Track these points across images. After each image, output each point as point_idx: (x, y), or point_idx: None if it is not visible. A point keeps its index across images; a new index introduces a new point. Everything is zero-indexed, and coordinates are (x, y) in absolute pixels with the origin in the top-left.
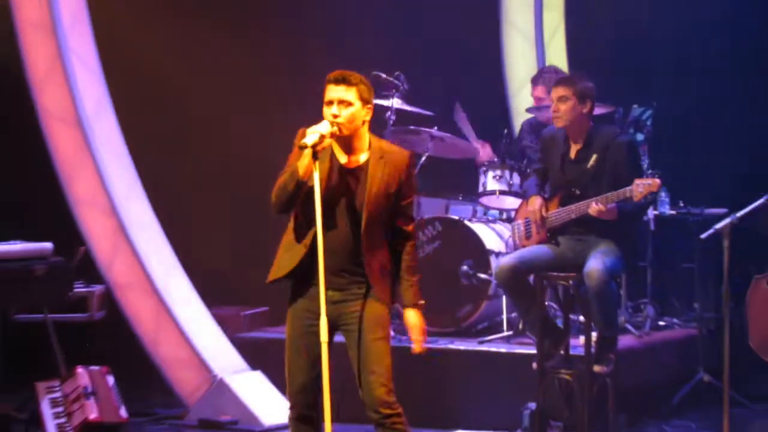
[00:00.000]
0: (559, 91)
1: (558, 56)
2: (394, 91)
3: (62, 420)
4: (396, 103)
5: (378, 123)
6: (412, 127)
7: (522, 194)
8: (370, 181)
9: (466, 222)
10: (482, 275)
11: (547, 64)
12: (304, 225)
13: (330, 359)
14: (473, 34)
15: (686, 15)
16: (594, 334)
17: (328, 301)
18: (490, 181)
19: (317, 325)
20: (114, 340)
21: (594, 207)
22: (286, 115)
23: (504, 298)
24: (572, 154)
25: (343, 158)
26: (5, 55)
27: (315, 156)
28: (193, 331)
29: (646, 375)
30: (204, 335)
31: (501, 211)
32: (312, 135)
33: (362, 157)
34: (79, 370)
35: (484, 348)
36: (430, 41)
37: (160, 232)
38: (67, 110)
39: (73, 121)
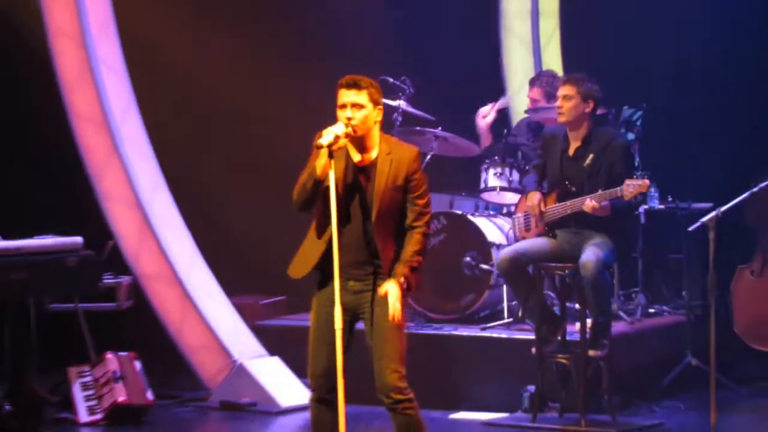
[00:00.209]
0: (565, 90)
1: (553, 60)
2: (400, 94)
3: (93, 402)
4: (402, 105)
5: (385, 124)
6: (417, 128)
7: (521, 190)
8: (378, 176)
9: (469, 216)
10: (484, 266)
11: (543, 68)
12: (324, 221)
13: (351, 345)
14: (474, 41)
15: (673, 22)
16: (589, 321)
17: (348, 291)
18: (491, 177)
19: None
20: (141, 327)
21: (588, 204)
22: (306, 114)
23: (504, 287)
24: (571, 151)
25: (356, 157)
26: (38, 60)
27: (330, 155)
28: (214, 319)
29: (637, 359)
30: (225, 323)
31: (501, 206)
32: (327, 136)
33: (373, 155)
34: (109, 355)
35: (486, 334)
36: (434, 48)
37: (183, 226)
38: (96, 112)
39: (101, 122)
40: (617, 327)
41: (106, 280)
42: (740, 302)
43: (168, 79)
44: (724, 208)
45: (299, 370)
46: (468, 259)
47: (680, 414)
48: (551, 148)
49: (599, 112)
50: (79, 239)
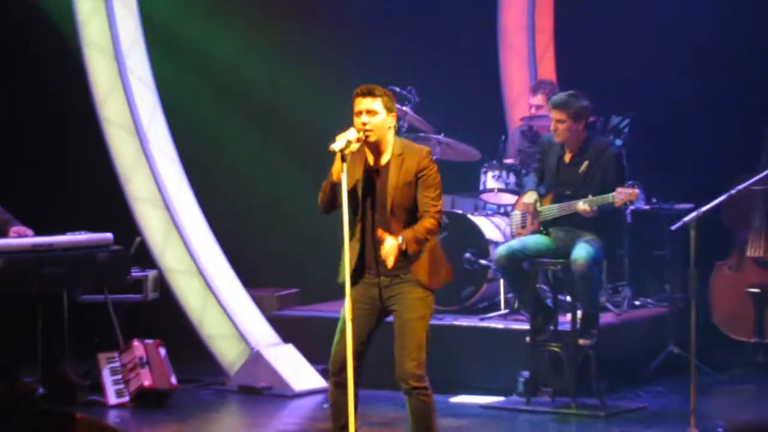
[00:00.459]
0: (556, 115)
1: (548, 72)
2: (406, 102)
3: (120, 386)
4: (408, 112)
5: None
6: (421, 134)
7: (517, 191)
8: (391, 175)
9: (469, 215)
10: (483, 261)
11: (538, 79)
12: (353, 222)
13: (377, 336)
14: (475, 54)
15: (657, 37)
16: (579, 312)
17: (379, 286)
18: (490, 180)
19: (368, 309)
20: (165, 317)
21: (581, 207)
22: (323, 117)
23: (501, 281)
24: (567, 158)
25: (373, 161)
26: (73, 72)
27: (343, 159)
28: (233, 309)
29: (623, 347)
30: (243, 313)
31: (499, 206)
32: (340, 141)
33: (387, 158)
34: (136, 343)
35: (484, 324)
36: (438, 60)
37: (205, 224)
38: (125, 119)
39: (130, 128)
40: (605, 318)
41: (133, 274)
42: (718, 295)
43: (192, 91)
44: (704, 209)
45: (311, 357)
46: (468, 254)
47: (663, 398)
48: (548, 153)
49: (590, 119)
50: (109, 235)
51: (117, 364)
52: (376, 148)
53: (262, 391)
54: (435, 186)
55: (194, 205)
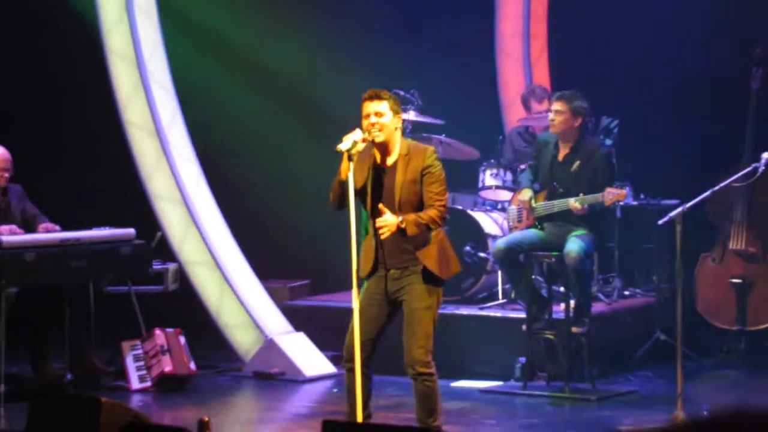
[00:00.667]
0: (557, 105)
1: (542, 76)
2: (410, 105)
3: (143, 372)
4: (411, 115)
5: None
6: (424, 135)
7: (514, 188)
8: (398, 173)
9: (469, 211)
10: (482, 254)
11: (533, 83)
12: (366, 219)
13: (389, 326)
14: (473, 60)
15: (645, 41)
16: (572, 302)
17: (390, 278)
18: (488, 177)
19: (380, 300)
20: (185, 307)
21: (573, 204)
22: (331, 118)
23: (499, 272)
24: (560, 157)
25: (381, 160)
26: (98, 78)
27: (350, 158)
28: (248, 300)
29: (614, 335)
30: (257, 303)
31: (497, 202)
32: (346, 142)
33: (395, 157)
34: (157, 331)
35: (483, 313)
36: (439, 65)
37: (221, 219)
38: (147, 122)
39: (151, 131)
40: (597, 307)
41: (155, 266)
42: (703, 286)
43: (210, 94)
44: (689, 205)
45: (321, 345)
46: (468, 248)
47: (651, 382)
48: (543, 152)
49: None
50: (131, 231)
51: (140, 352)
52: (384, 148)
53: (276, 376)
54: (440, 182)
55: (211, 202)
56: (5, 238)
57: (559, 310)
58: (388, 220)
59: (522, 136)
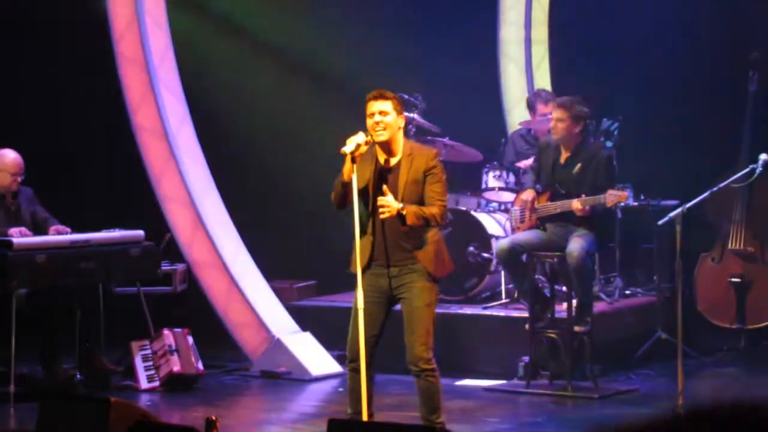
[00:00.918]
0: (558, 113)
1: (543, 81)
2: (414, 108)
3: (151, 372)
4: (415, 118)
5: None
6: (428, 137)
7: (517, 189)
8: (401, 174)
9: (472, 212)
10: (485, 254)
11: (535, 87)
12: (365, 218)
13: (386, 324)
14: (477, 64)
15: (645, 45)
16: (574, 301)
17: (387, 276)
18: (491, 179)
19: (378, 298)
20: (193, 307)
21: (575, 206)
22: (335, 126)
23: (503, 272)
24: (562, 160)
25: (384, 160)
26: (108, 83)
27: (353, 160)
28: (255, 300)
29: (615, 334)
30: (264, 303)
31: (499, 203)
32: (349, 144)
33: (398, 158)
34: (165, 331)
35: (486, 312)
36: (443, 69)
37: (229, 221)
38: (156, 125)
39: (161, 134)
40: (598, 306)
41: (163, 267)
42: (702, 285)
43: (218, 99)
44: (688, 205)
45: (328, 344)
46: (471, 248)
47: (652, 380)
48: (545, 155)
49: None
50: (140, 232)
51: (148, 352)
52: (388, 148)
53: (282, 375)
54: (441, 183)
55: (219, 204)
56: (16, 240)
57: (561, 309)
58: (390, 202)
59: (524, 138)
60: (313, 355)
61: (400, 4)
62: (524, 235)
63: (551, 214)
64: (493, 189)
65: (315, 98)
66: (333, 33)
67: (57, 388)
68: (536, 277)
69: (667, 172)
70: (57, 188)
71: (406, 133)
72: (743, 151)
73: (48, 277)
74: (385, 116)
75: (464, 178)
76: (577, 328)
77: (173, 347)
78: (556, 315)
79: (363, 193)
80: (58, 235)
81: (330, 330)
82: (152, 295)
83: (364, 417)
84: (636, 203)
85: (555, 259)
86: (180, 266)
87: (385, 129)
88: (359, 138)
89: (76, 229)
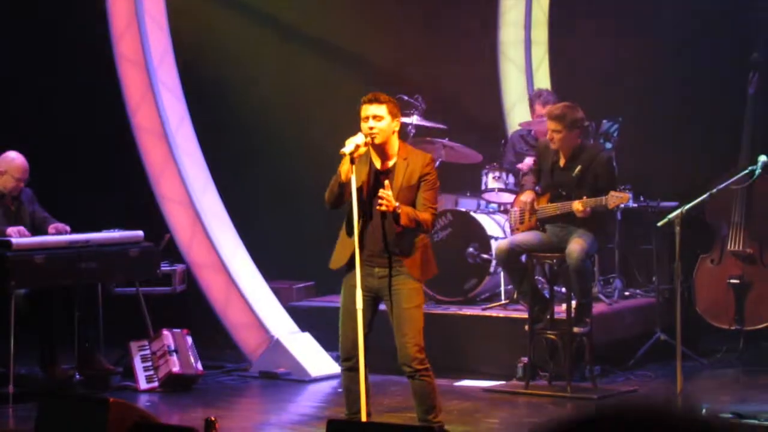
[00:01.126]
0: (552, 126)
1: (543, 82)
2: (414, 109)
3: (150, 372)
4: (415, 119)
5: (401, 135)
6: (428, 139)
7: (516, 191)
8: (395, 178)
9: (472, 213)
10: (485, 255)
11: (534, 88)
12: (353, 219)
13: (374, 323)
14: (476, 66)
15: (644, 47)
16: (573, 302)
17: (374, 276)
18: (491, 180)
19: (366, 296)
20: (192, 308)
21: (576, 207)
22: (334, 123)
23: (502, 273)
24: (561, 162)
25: (378, 163)
26: (108, 83)
27: (352, 161)
28: (254, 300)
29: (615, 335)
30: (263, 304)
31: (499, 204)
32: (349, 145)
33: (392, 161)
34: (164, 332)
35: (486, 313)
36: (443, 71)
37: (228, 221)
38: (156, 126)
39: (160, 134)
40: (597, 307)
41: (163, 268)
42: (701, 286)
43: (216, 100)
44: (687, 207)
45: (327, 345)
46: (471, 249)
47: (651, 381)
48: (545, 157)
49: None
50: (140, 233)
51: (147, 352)
52: (383, 151)
53: (281, 376)
54: (434, 190)
55: (219, 204)
56: (15, 240)
57: (560, 310)
58: (390, 196)
59: (524, 138)
60: (312, 356)
61: (400, 4)
62: (523, 236)
63: (551, 215)
64: (492, 190)
65: (315, 101)
66: (332, 33)
67: (56, 389)
68: (535, 278)
69: (666, 174)
70: (56, 188)
71: (405, 135)
72: (742, 152)
73: (47, 277)
74: (378, 121)
75: (464, 179)
76: (576, 329)
77: (172, 348)
78: (556, 316)
79: (357, 194)
80: (57, 235)
81: (329, 331)
82: (151, 296)
83: (363, 417)
84: (635, 204)
85: (554, 260)
86: (179, 267)
87: (378, 133)
88: (358, 139)
89: (75, 230)
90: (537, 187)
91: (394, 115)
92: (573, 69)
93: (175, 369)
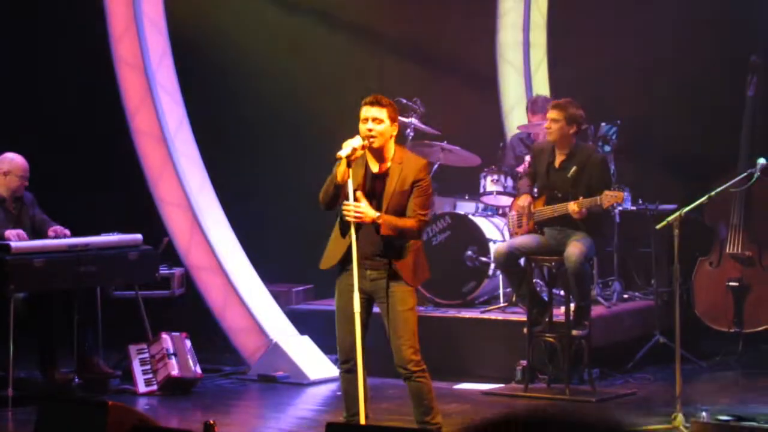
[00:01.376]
0: (553, 114)
1: (542, 84)
2: (412, 112)
3: (149, 375)
4: (414, 122)
5: (399, 138)
6: (426, 142)
7: (515, 194)
8: (389, 182)
9: (470, 216)
10: (483, 258)
11: (533, 91)
12: (346, 222)
13: (369, 324)
14: (475, 68)
15: (643, 51)
16: (572, 305)
17: (366, 279)
18: (489, 183)
19: (362, 298)
20: (191, 311)
21: (572, 207)
22: (334, 125)
23: (500, 276)
24: (557, 163)
25: (374, 166)
26: (105, 86)
27: (349, 164)
28: (253, 303)
29: (613, 337)
30: (262, 307)
31: (498, 207)
32: (346, 148)
33: (388, 165)
34: (163, 335)
35: (484, 316)
36: (441, 75)
37: (227, 225)
38: (154, 129)
39: (158, 137)
40: (596, 310)
41: (161, 271)
42: (700, 289)
43: (214, 102)
44: (686, 209)
45: (326, 348)
46: (469, 252)
47: (650, 384)
48: (540, 159)
49: (582, 127)
50: (139, 236)
51: (146, 355)
52: (379, 155)
53: (280, 379)
54: (426, 196)
55: (217, 208)
56: (14, 244)
57: (559, 313)
58: (365, 209)
59: (523, 142)
60: (311, 359)
61: (400, 5)
62: (522, 239)
63: (549, 217)
64: (491, 193)
65: (315, 103)
66: (330, 35)
67: (55, 392)
68: (534, 281)
69: (664, 177)
70: (56, 191)
71: (404, 138)
72: (741, 155)
73: (46, 281)
74: (378, 124)
75: (462, 182)
76: (575, 332)
77: (171, 351)
78: (554, 319)
79: (350, 196)
80: (56, 239)
81: (328, 334)
82: (150, 299)
83: (362, 420)
84: (634, 207)
85: (553, 263)
86: (178, 270)
87: (376, 136)
88: (355, 142)
89: (74, 233)
90: (534, 191)
91: (393, 120)
92: (571, 72)
93: (174, 372)
